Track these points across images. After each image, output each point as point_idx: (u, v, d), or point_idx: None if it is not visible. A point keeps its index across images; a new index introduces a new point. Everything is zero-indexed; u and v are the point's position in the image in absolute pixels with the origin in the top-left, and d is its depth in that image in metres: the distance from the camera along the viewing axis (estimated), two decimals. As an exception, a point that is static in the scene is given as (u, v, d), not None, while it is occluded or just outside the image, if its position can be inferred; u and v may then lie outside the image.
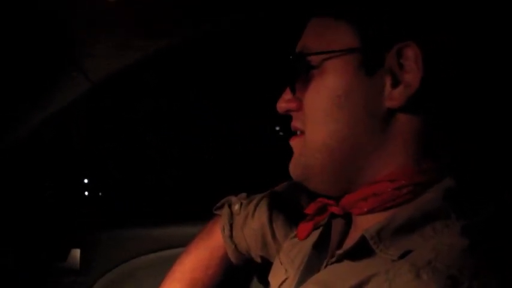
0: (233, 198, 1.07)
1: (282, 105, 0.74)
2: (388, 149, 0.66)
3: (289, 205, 1.00)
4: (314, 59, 0.69)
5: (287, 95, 0.73)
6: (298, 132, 0.73)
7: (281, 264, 0.88)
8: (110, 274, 1.42)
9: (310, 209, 0.80)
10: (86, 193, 1.80)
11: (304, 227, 0.81)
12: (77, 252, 1.42)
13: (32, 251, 1.41)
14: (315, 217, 0.80)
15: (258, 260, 1.02)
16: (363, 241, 0.62)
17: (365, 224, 0.65)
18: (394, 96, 0.64)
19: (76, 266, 1.41)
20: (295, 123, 0.73)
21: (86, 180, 1.86)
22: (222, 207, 1.08)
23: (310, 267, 0.77)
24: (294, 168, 0.74)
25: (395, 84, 0.64)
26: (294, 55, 0.72)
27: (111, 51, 1.02)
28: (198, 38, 0.99)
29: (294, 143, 0.74)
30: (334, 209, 0.76)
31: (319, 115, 0.69)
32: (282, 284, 0.85)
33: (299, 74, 0.70)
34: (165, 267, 1.08)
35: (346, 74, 0.68)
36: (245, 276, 1.05)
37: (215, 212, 1.10)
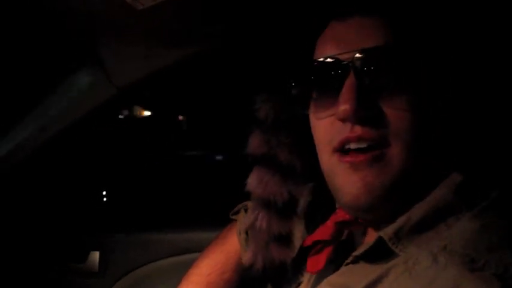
0: (249, 203, 1.08)
1: (361, 112, 0.63)
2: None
3: (305, 207, 0.98)
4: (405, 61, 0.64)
5: (362, 101, 0.63)
6: (366, 147, 0.64)
7: (296, 266, 0.88)
8: (128, 277, 1.44)
9: (323, 234, 0.77)
10: (105, 198, 1.83)
11: (316, 260, 0.77)
12: (96, 255, 1.44)
13: (52, 253, 1.44)
14: (326, 247, 0.76)
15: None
16: (379, 242, 0.63)
17: (379, 225, 0.67)
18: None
19: (95, 269, 1.43)
20: (372, 135, 0.64)
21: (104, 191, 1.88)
22: (238, 212, 1.09)
23: (326, 270, 0.77)
24: (367, 194, 0.64)
25: None
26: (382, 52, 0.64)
27: (137, 58, 1.04)
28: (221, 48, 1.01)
29: (365, 163, 0.64)
30: (356, 228, 0.76)
31: (410, 130, 0.63)
32: (297, 287, 0.86)
33: (382, 77, 0.64)
34: (182, 271, 1.10)
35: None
36: (260, 280, 1.06)
37: (231, 217, 1.11)
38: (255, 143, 0.89)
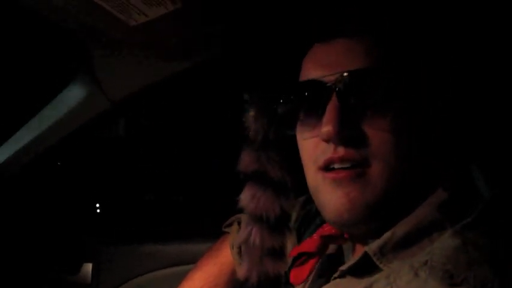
0: (242, 216, 1.08)
1: (343, 133, 0.65)
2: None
3: (297, 220, 1.01)
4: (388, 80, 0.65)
5: (344, 123, 0.65)
6: (349, 166, 0.66)
7: (286, 280, 0.89)
8: (121, 288, 1.44)
9: (308, 247, 0.79)
10: (98, 210, 1.83)
11: (300, 272, 0.79)
12: (88, 267, 1.44)
13: (45, 265, 1.44)
14: (310, 260, 0.79)
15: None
16: (365, 257, 0.65)
17: (366, 240, 0.68)
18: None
19: (87, 280, 1.44)
20: (354, 156, 0.65)
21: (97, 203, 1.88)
22: (231, 224, 1.10)
23: (315, 284, 0.79)
24: (351, 210, 0.65)
25: None
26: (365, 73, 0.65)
27: (131, 72, 1.05)
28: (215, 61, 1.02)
29: (347, 178, 0.66)
30: (341, 243, 0.78)
31: (391, 150, 0.65)
32: None
33: (363, 97, 0.66)
34: (175, 283, 1.10)
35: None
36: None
37: (224, 230, 1.12)
38: (245, 161, 0.91)
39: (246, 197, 0.92)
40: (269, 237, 0.91)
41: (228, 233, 1.10)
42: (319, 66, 0.69)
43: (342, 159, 0.66)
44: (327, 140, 0.66)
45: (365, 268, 0.65)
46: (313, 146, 0.70)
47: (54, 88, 1.15)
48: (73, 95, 1.11)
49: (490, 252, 0.57)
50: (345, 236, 0.77)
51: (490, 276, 0.54)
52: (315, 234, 0.83)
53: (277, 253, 0.92)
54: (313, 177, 0.71)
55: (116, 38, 0.88)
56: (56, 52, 1.06)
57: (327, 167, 0.68)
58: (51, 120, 1.15)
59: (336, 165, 0.66)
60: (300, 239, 0.97)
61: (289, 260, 0.95)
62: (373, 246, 0.64)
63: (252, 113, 0.88)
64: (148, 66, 1.02)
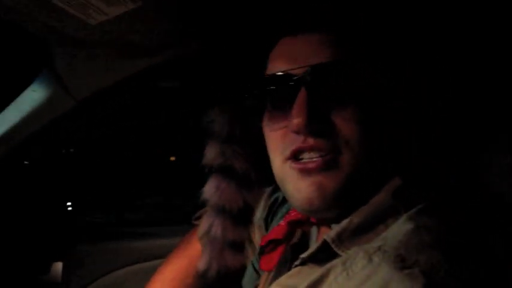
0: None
1: (313, 124, 0.67)
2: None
3: (264, 209, 1.02)
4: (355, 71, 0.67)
5: (314, 114, 0.67)
6: (318, 156, 0.67)
7: (254, 269, 0.91)
8: (92, 286, 1.44)
9: (276, 234, 0.81)
10: (70, 208, 1.81)
11: (269, 258, 0.80)
12: (59, 266, 1.44)
13: (14, 265, 1.42)
14: (279, 246, 0.80)
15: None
16: (324, 245, 0.67)
17: (327, 225, 0.70)
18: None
19: (58, 279, 1.43)
20: (323, 146, 0.67)
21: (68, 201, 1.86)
22: (200, 217, 1.11)
23: (280, 271, 0.80)
24: (320, 197, 0.67)
25: None
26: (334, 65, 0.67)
27: (96, 71, 1.05)
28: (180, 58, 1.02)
29: (316, 169, 0.67)
30: (308, 228, 0.80)
31: (359, 139, 0.67)
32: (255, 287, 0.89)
33: (330, 90, 0.67)
34: (146, 278, 1.11)
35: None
36: (222, 283, 1.09)
37: (194, 223, 1.14)
38: (211, 155, 0.92)
39: (209, 189, 0.93)
40: (231, 229, 0.92)
41: (198, 225, 1.11)
42: (287, 60, 0.71)
43: (311, 149, 0.67)
44: (297, 132, 0.68)
45: (325, 255, 0.67)
46: (281, 136, 0.72)
47: (16, 88, 1.14)
48: (36, 94, 1.10)
49: (441, 235, 0.60)
50: (312, 220, 0.79)
51: (441, 258, 0.56)
52: (282, 221, 0.85)
53: (238, 246, 0.94)
54: (280, 167, 0.73)
55: (77, 37, 0.87)
56: (17, 52, 1.05)
57: (295, 157, 0.69)
58: (15, 120, 1.14)
59: (306, 155, 0.68)
60: (267, 228, 0.99)
61: (254, 249, 0.97)
62: (331, 233, 0.67)
63: (217, 107, 0.89)
64: (111, 64, 1.02)
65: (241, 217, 0.93)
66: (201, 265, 0.95)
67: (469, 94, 0.81)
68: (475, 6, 0.76)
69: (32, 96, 1.11)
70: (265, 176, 0.94)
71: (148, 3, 0.77)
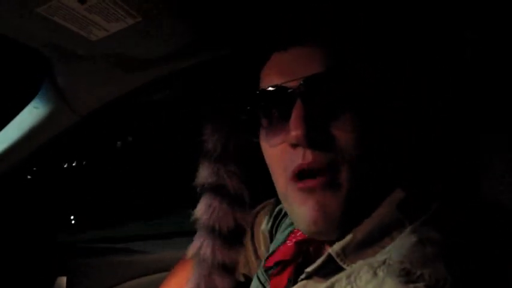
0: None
1: (311, 136, 0.66)
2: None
3: (268, 221, 1.02)
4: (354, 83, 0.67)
5: (312, 125, 0.66)
6: (318, 170, 0.66)
7: (259, 281, 0.91)
8: (96, 300, 1.43)
9: (284, 255, 0.79)
10: (73, 221, 1.81)
11: (279, 280, 0.79)
12: (63, 280, 1.43)
13: (18, 280, 1.42)
14: (287, 267, 0.79)
15: (241, 278, 1.04)
16: (329, 258, 0.67)
17: (331, 242, 0.70)
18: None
19: (62, 294, 1.42)
20: (322, 160, 0.66)
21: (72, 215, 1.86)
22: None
23: (287, 286, 0.78)
24: (324, 219, 0.66)
25: None
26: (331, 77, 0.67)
27: (97, 86, 1.05)
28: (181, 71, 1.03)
29: (318, 187, 0.66)
30: (315, 246, 0.78)
31: (357, 146, 0.66)
32: None
33: (328, 101, 0.67)
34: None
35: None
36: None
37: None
38: (204, 174, 0.91)
39: (201, 208, 0.91)
40: (221, 250, 0.90)
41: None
42: (281, 73, 0.70)
43: (311, 165, 0.67)
44: (296, 144, 0.67)
45: (330, 269, 0.67)
46: (281, 153, 0.71)
47: (18, 104, 1.14)
48: (38, 110, 1.10)
49: (446, 248, 0.60)
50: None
51: (444, 272, 0.56)
52: (288, 241, 0.84)
53: (228, 268, 0.92)
54: (284, 187, 0.72)
55: (78, 53, 0.88)
56: (18, 67, 1.06)
57: (297, 176, 0.68)
58: (17, 137, 1.14)
59: (306, 172, 0.67)
60: (272, 239, 0.98)
61: (260, 262, 0.95)
62: (336, 247, 0.66)
63: (209, 125, 0.89)
64: (113, 79, 1.02)
65: (232, 238, 0.91)
66: (189, 287, 0.92)
67: (468, 94, 0.80)
68: (475, 6, 0.76)
69: (34, 112, 1.12)
70: (257, 197, 0.93)
71: (147, 19, 0.77)
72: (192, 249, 0.94)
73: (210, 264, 0.90)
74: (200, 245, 0.91)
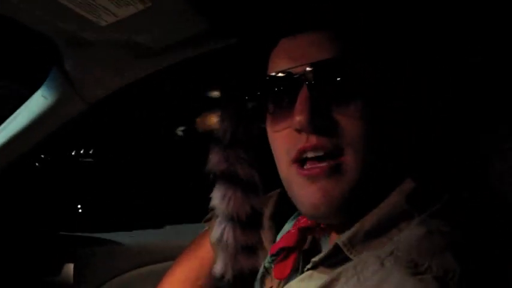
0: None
1: (316, 122, 0.66)
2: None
3: (273, 212, 1.01)
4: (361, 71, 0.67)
5: (316, 112, 0.66)
6: (322, 155, 0.66)
7: (265, 268, 0.90)
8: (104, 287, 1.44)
9: (288, 241, 0.80)
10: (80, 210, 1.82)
11: (283, 267, 0.79)
12: (70, 267, 1.44)
13: (25, 267, 1.43)
14: (291, 254, 0.79)
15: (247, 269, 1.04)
16: (336, 248, 0.66)
17: (342, 230, 0.69)
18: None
19: (70, 281, 1.43)
20: (327, 144, 0.66)
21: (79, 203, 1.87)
22: (211, 218, 1.11)
23: (292, 276, 0.79)
24: (327, 203, 0.66)
25: None
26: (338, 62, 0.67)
27: (106, 72, 1.05)
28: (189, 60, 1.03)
29: (322, 174, 0.66)
30: (319, 234, 0.79)
31: (363, 136, 0.66)
32: None
33: (336, 87, 0.67)
34: (157, 280, 1.11)
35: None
36: (234, 286, 1.08)
37: (204, 224, 1.13)
38: (214, 160, 0.92)
39: (216, 197, 0.93)
40: (241, 235, 0.93)
41: (208, 226, 1.11)
42: (288, 59, 0.70)
43: (314, 148, 0.66)
44: (300, 130, 0.67)
45: (337, 259, 0.66)
46: (285, 137, 0.71)
47: (27, 90, 1.14)
48: (46, 97, 1.10)
49: (454, 240, 0.59)
50: (322, 226, 0.78)
51: (453, 263, 0.55)
52: (292, 228, 0.84)
53: (251, 249, 0.95)
54: (286, 171, 0.72)
55: (87, 38, 0.88)
56: (27, 53, 1.05)
57: (300, 159, 0.68)
58: (25, 124, 1.14)
59: (309, 154, 0.67)
60: (279, 231, 0.98)
61: (266, 253, 0.96)
62: (343, 237, 0.66)
63: (219, 112, 0.89)
64: (122, 66, 1.02)
65: (250, 222, 0.93)
66: (217, 270, 0.95)
67: (469, 93, 0.80)
68: (475, 6, 0.75)
69: (42, 100, 1.12)
70: (270, 181, 0.94)
71: (157, 4, 0.77)
72: (214, 236, 0.97)
73: (234, 248, 0.94)
74: (222, 231, 0.95)
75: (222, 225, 0.95)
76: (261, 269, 0.92)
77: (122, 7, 0.76)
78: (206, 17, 0.84)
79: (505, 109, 0.76)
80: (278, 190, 1.01)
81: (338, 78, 0.67)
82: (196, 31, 0.89)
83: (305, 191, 0.68)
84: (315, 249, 0.82)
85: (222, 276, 0.96)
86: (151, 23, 0.85)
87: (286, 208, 0.98)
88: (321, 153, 0.67)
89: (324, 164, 0.66)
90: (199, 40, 0.93)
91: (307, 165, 0.68)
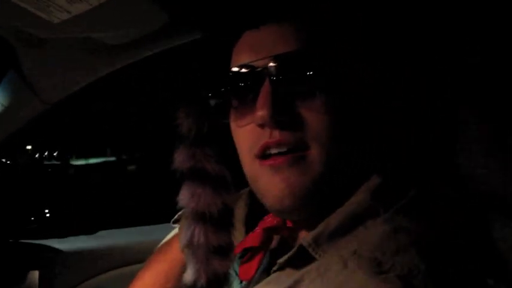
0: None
1: (278, 116, 0.64)
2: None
3: (244, 212, 0.99)
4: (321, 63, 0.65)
5: (279, 106, 0.64)
6: (285, 150, 0.65)
7: (236, 274, 0.89)
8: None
9: (252, 241, 0.78)
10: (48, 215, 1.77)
11: (248, 267, 0.78)
12: (35, 274, 1.40)
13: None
14: (256, 254, 0.77)
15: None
16: (301, 249, 0.64)
17: (308, 229, 0.68)
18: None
19: (35, 288, 1.40)
20: (290, 139, 0.65)
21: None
22: (179, 220, 1.09)
23: (259, 278, 0.77)
24: (290, 195, 0.65)
25: None
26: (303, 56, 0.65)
27: (63, 71, 1.02)
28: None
29: (285, 164, 0.65)
30: (284, 233, 0.77)
31: (327, 132, 0.65)
32: None
33: (294, 81, 0.65)
34: (125, 284, 1.08)
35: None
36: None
37: (173, 225, 1.11)
38: (180, 158, 0.89)
39: (185, 196, 0.90)
40: (214, 235, 0.89)
41: (177, 228, 1.09)
42: (250, 52, 0.69)
43: (278, 144, 0.65)
44: (262, 125, 0.66)
45: (302, 259, 0.65)
46: (248, 133, 0.69)
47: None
48: (2, 98, 1.06)
49: (419, 237, 0.58)
50: (288, 225, 0.77)
51: (418, 261, 0.55)
52: (257, 228, 0.82)
53: (224, 251, 0.90)
54: (250, 166, 0.70)
55: (40, 36, 0.84)
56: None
57: (263, 154, 0.67)
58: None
59: (273, 150, 0.65)
60: (247, 229, 0.96)
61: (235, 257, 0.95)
62: (308, 237, 0.64)
63: (183, 108, 0.87)
64: (80, 65, 0.99)
65: (222, 221, 0.90)
66: (189, 277, 0.89)
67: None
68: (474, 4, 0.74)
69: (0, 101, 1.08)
70: (239, 177, 0.92)
71: (112, 1, 0.74)
72: (184, 239, 0.92)
73: (205, 250, 0.89)
74: (192, 233, 0.89)
75: (192, 227, 0.90)
76: (231, 271, 0.90)
77: (75, 3, 0.73)
78: (166, 12, 0.82)
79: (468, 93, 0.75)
80: (247, 189, 0.99)
81: (301, 72, 0.65)
82: (155, 27, 0.86)
83: (269, 183, 0.66)
84: (284, 248, 0.81)
85: (194, 283, 0.90)
86: (108, 20, 0.81)
87: (257, 209, 0.97)
88: (284, 149, 0.65)
89: (288, 155, 0.65)
90: (159, 36, 0.91)
91: (271, 158, 0.66)
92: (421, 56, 0.77)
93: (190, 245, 0.91)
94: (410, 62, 0.77)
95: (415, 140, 0.78)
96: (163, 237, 1.13)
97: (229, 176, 0.88)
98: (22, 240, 1.49)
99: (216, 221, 0.89)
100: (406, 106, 0.77)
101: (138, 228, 1.61)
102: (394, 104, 0.75)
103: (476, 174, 0.70)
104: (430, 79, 0.78)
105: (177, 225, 1.10)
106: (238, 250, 0.80)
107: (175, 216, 1.11)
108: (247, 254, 0.79)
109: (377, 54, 0.73)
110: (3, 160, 1.30)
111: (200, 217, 0.89)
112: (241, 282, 0.88)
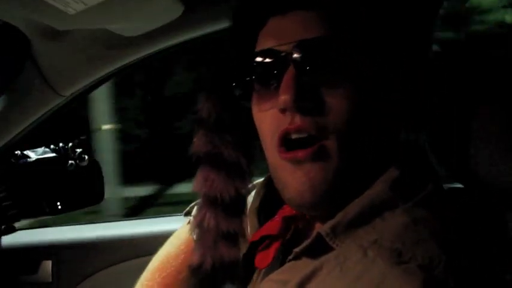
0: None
1: (301, 101, 0.63)
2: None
3: (257, 203, 0.96)
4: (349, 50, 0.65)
5: (302, 91, 0.64)
6: (305, 136, 0.64)
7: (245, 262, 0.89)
8: (83, 284, 1.42)
9: (270, 230, 0.78)
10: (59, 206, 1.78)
11: (265, 255, 0.77)
12: (48, 264, 1.41)
13: (1, 267, 1.40)
14: (274, 242, 0.77)
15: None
16: (319, 238, 0.64)
17: (325, 220, 0.67)
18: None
19: (48, 279, 1.41)
20: (311, 125, 0.64)
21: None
22: (190, 212, 1.09)
23: (273, 267, 0.77)
24: (312, 190, 0.64)
25: None
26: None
27: (79, 64, 1.02)
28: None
29: (306, 158, 0.64)
30: (303, 223, 0.76)
31: (349, 120, 0.64)
32: (249, 284, 0.86)
33: (320, 67, 0.65)
34: (137, 275, 1.08)
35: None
36: (215, 279, 1.07)
37: (185, 217, 1.12)
38: (198, 143, 0.89)
39: (199, 180, 0.90)
40: (224, 220, 0.89)
41: (189, 220, 1.09)
42: (275, 37, 0.68)
43: (298, 129, 0.64)
44: (284, 110, 0.65)
45: (319, 249, 0.64)
46: (270, 118, 0.69)
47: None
48: (20, 91, 1.08)
49: (439, 229, 0.58)
50: (306, 216, 0.76)
51: (438, 252, 0.54)
52: (276, 216, 0.82)
53: (233, 237, 0.91)
54: (272, 155, 0.70)
55: (56, 28, 0.85)
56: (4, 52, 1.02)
57: (284, 141, 0.66)
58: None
59: (293, 136, 0.65)
60: (261, 221, 0.96)
61: (246, 245, 0.95)
62: (325, 226, 0.64)
63: (204, 93, 0.86)
64: (95, 57, 1.00)
65: (234, 207, 0.90)
66: (195, 259, 0.90)
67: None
68: None
69: (15, 95, 1.09)
70: (255, 166, 0.92)
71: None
72: (194, 221, 0.93)
73: (214, 235, 0.89)
74: (203, 217, 0.90)
75: (203, 210, 0.91)
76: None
77: (91, -6, 0.74)
78: (185, 5, 0.82)
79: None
80: (262, 180, 0.99)
81: (326, 59, 0.65)
82: (171, 19, 0.87)
83: (291, 176, 0.66)
84: (297, 239, 0.81)
85: (200, 266, 0.92)
86: (124, 11, 0.82)
87: (270, 200, 0.98)
88: (304, 135, 0.65)
89: (308, 149, 0.64)
90: (175, 28, 0.91)
91: (291, 153, 0.66)
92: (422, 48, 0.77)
93: (200, 227, 0.91)
94: (410, 55, 0.76)
95: (427, 135, 0.78)
96: (176, 229, 1.13)
97: (245, 164, 0.88)
98: (36, 229, 1.51)
99: (228, 207, 0.90)
100: (430, 104, 0.77)
101: (152, 219, 1.61)
102: (418, 101, 0.74)
103: (493, 171, 0.70)
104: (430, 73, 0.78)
105: (189, 217, 1.10)
106: (255, 237, 0.80)
107: (187, 208, 1.12)
108: (265, 242, 0.78)
109: (403, 51, 0.72)
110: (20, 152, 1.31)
111: (212, 202, 0.89)
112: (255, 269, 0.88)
